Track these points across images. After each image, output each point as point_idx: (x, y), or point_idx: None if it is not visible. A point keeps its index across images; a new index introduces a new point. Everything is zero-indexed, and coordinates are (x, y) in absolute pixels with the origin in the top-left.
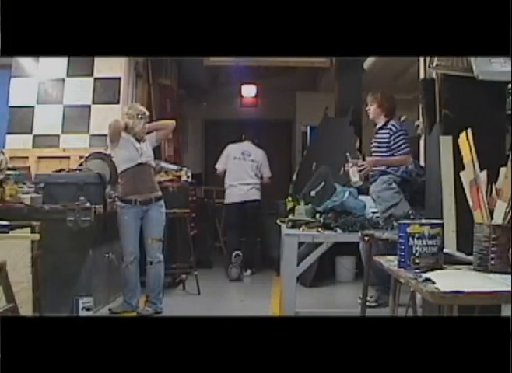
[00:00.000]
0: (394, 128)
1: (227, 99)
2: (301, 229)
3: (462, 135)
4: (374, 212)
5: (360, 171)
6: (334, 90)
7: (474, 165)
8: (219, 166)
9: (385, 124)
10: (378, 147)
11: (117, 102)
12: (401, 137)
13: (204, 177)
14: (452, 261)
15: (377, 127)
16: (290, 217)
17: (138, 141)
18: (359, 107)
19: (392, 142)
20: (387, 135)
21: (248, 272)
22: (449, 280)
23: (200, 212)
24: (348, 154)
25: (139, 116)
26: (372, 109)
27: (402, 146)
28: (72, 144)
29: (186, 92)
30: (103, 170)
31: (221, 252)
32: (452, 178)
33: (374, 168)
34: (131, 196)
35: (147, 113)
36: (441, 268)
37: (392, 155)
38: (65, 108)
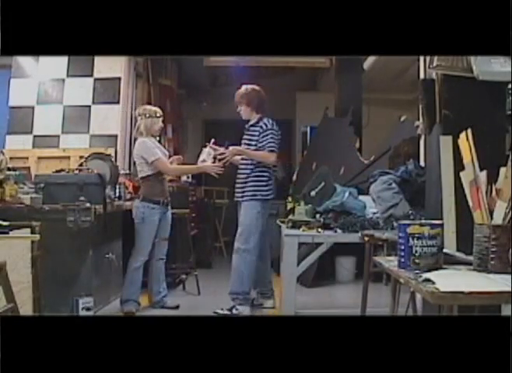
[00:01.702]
0: (264, 126)
1: (227, 99)
2: (301, 229)
3: (462, 135)
4: (374, 212)
5: (221, 160)
6: (334, 90)
7: (474, 166)
8: None
9: (257, 122)
10: (248, 144)
11: (117, 103)
12: (269, 136)
13: (204, 177)
14: (452, 261)
15: (249, 124)
16: (290, 217)
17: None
18: (359, 107)
19: (260, 140)
20: (257, 133)
21: None
22: (449, 281)
23: (200, 212)
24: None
25: (157, 115)
26: (242, 110)
27: (269, 144)
28: (72, 145)
29: (186, 92)
30: (103, 170)
31: (221, 252)
32: (452, 178)
33: (237, 157)
34: (160, 198)
35: (161, 113)
36: (441, 268)
37: None
38: (65, 108)
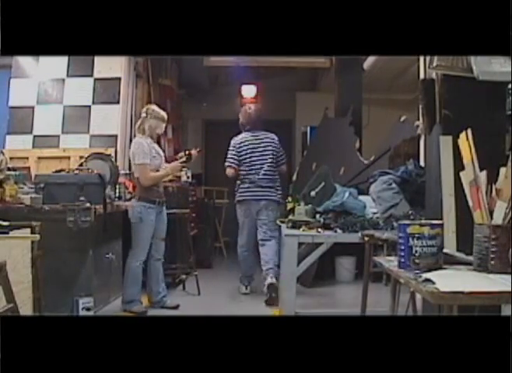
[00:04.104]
0: None
1: (227, 99)
2: (301, 229)
3: (462, 135)
4: (374, 212)
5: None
6: (334, 90)
7: (474, 166)
8: None
9: None
10: None
11: (117, 103)
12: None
13: (204, 177)
14: (452, 261)
15: None
16: (290, 217)
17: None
18: (359, 107)
19: None
20: None
21: None
22: (449, 281)
23: (200, 212)
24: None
25: (164, 120)
26: None
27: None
28: (72, 145)
29: (186, 92)
30: (103, 170)
31: (221, 252)
32: (452, 178)
33: None
34: (156, 198)
35: (166, 118)
36: (441, 268)
37: None
38: (65, 108)
